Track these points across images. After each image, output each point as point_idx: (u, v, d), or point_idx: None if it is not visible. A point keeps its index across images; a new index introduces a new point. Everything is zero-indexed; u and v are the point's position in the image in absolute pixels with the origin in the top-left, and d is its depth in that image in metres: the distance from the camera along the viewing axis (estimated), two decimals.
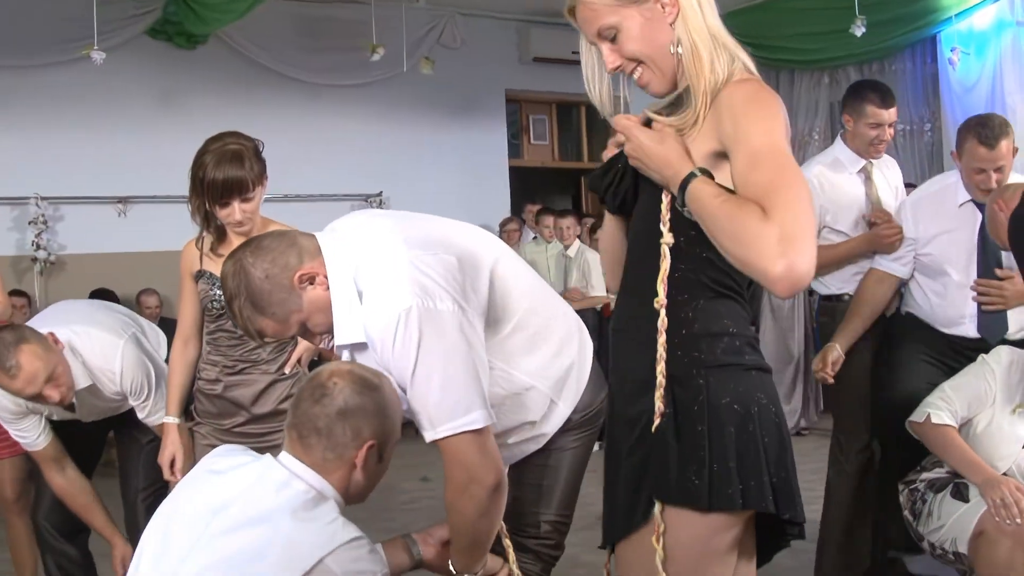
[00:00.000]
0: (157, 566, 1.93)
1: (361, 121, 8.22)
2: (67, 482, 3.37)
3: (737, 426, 1.76)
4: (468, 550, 2.18)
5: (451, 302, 2.04)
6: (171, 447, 3.16)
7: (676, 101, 1.88)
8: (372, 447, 2.01)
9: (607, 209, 2.06)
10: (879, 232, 3.76)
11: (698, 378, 1.78)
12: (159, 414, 3.28)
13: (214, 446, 3.00)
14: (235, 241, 3.05)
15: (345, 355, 2.20)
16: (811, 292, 6.16)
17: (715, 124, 1.78)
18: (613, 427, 1.96)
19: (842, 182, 3.94)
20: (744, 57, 1.84)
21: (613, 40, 1.84)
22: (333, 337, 2.20)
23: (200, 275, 3.09)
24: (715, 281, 1.81)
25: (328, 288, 2.12)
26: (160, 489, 3.34)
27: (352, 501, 2.06)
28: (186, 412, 3.23)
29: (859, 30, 6.91)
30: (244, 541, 1.87)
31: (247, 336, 2.29)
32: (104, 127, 7.35)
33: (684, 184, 1.74)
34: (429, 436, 2.05)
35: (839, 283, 4.07)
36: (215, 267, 3.04)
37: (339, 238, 2.20)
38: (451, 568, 2.23)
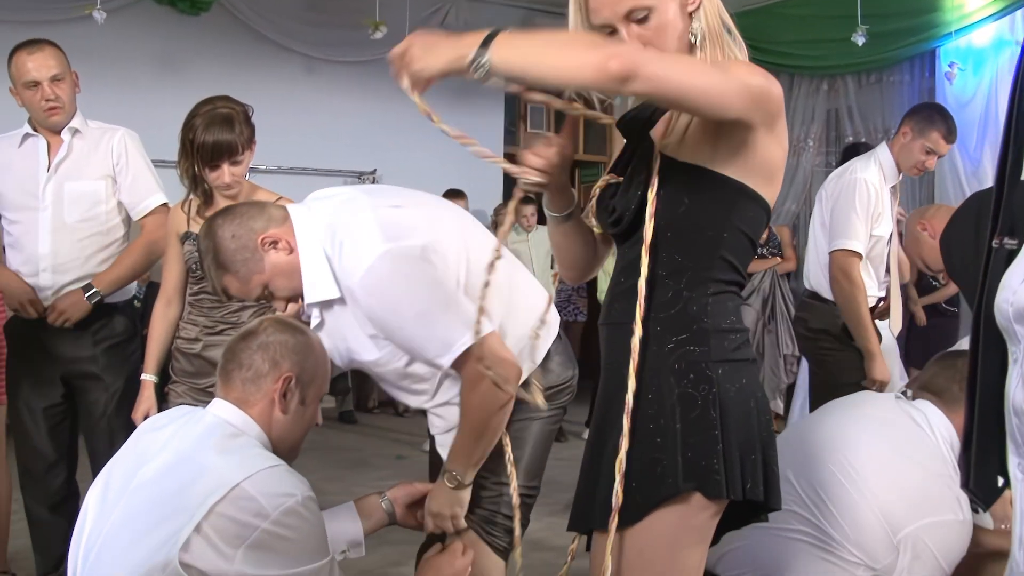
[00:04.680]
0: (97, 521, 2.00)
1: (358, 98, 8.22)
2: None
3: (740, 419, 1.81)
4: (471, 450, 2.28)
5: (419, 238, 2.20)
6: (145, 403, 3.21)
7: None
8: (289, 380, 2.09)
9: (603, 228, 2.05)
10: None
11: (708, 371, 1.80)
12: (145, 201, 3.50)
13: (189, 405, 3.05)
14: (222, 204, 3.09)
15: (315, 315, 2.30)
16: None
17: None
18: (607, 415, 1.92)
19: (884, 192, 4.04)
20: (741, 55, 1.88)
21: (641, 21, 1.79)
22: (300, 301, 2.32)
23: (186, 237, 3.12)
24: (724, 278, 1.84)
25: (292, 252, 2.26)
26: None
27: (281, 447, 2.11)
28: (163, 373, 3.27)
29: (860, 39, 6.95)
30: (167, 483, 1.93)
31: (214, 293, 2.42)
32: (103, 88, 7.24)
33: (488, 40, 1.62)
34: (449, 357, 2.18)
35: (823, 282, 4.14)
36: None
37: (310, 207, 2.36)
38: (445, 481, 2.32)
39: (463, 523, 2.36)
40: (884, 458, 2.65)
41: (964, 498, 2.61)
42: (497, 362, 2.16)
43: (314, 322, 2.31)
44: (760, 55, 8.37)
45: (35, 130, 3.48)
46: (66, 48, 3.50)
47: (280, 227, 2.29)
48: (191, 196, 3.14)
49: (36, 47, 3.41)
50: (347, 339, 2.30)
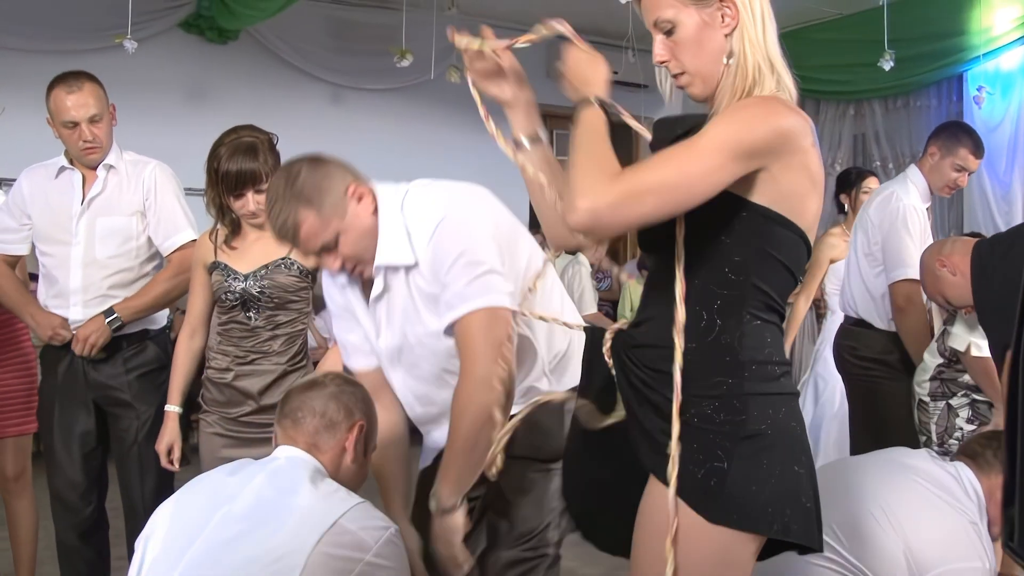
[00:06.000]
0: (159, 559, 1.95)
1: (385, 125, 8.24)
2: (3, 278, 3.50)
3: (779, 453, 1.76)
4: (454, 465, 2.21)
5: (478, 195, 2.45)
6: (169, 435, 3.20)
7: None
8: (363, 427, 2.12)
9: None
10: None
11: (742, 404, 1.75)
12: (172, 238, 3.46)
13: (220, 435, 3.06)
14: (250, 233, 3.12)
15: (379, 281, 2.30)
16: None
17: None
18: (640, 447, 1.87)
19: (922, 212, 4.02)
20: (789, 83, 1.83)
21: (668, 34, 1.83)
22: (357, 267, 2.32)
23: (215, 266, 3.11)
24: (760, 308, 1.79)
25: (374, 214, 2.29)
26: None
27: None
28: (189, 402, 3.26)
29: (887, 64, 6.90)
30: (252, 524, 1.90)
31: (278, 234, 2.32)
32: (132, 117, 7.25)
33: (580, 104, 1.89)
34: (466, 308, 2.19)
35: (866, 309, 4.10)
36: (229, 259, 3.10)
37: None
38: (431, 503, 2.25)
39: (461, 554, 2.28)
40: (917, 502, 2.68)
41: (990, 546, 2.66)
42: (496, 347, 2.17)
43: (377, 289, 2.31)
44: None
45: (71, 163, 3.46)
46: (97, 77, 3.50)
47: (366, 186, 2.34)
48: (218, 225, 3.14)
49: (76, 84, 3.35)
50: (406, 310, 2.31)
